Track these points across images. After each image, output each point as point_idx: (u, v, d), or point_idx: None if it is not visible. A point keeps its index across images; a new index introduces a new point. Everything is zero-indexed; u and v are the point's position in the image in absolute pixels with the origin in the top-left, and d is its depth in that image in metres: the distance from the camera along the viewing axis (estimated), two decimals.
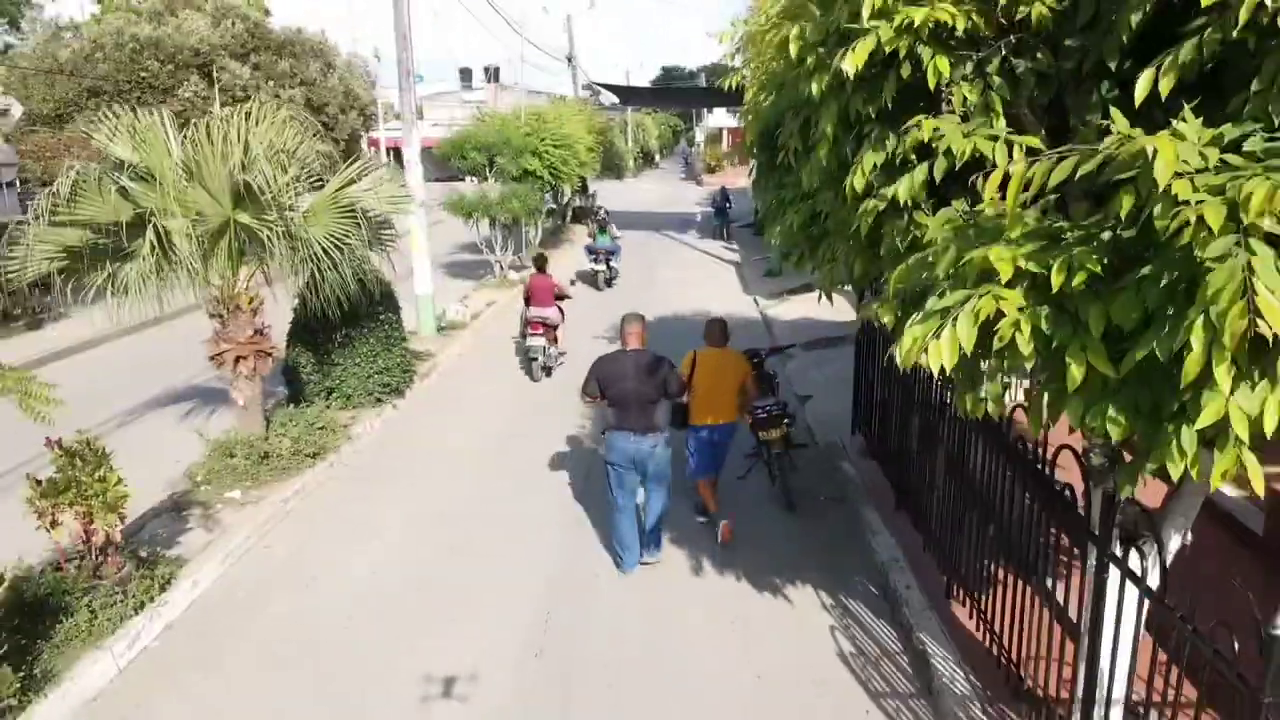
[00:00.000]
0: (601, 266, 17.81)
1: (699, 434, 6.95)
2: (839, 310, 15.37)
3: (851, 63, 3.16)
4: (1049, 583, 4.32)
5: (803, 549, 6.90)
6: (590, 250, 18.08)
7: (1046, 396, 2.75)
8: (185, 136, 7.34)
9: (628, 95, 33.53)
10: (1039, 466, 4.19)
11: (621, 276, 19.29)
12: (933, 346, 2.59)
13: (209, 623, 5.83)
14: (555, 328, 11.78)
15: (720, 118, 57.73)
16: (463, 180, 26.13)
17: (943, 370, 2.59)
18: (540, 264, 12.14)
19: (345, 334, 9.44)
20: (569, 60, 32.83)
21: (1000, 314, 2.55)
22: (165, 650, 5.52)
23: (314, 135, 8.52)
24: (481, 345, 13.72)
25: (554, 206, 25.83)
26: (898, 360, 2.76)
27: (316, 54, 24.40)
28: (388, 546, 6.91)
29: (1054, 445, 3.95)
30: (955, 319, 2.57)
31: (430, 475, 8.39)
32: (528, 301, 11.86)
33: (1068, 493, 3.91)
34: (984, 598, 5.15)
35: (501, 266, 18.18)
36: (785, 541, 7.04)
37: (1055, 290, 2.46)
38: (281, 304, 8.68)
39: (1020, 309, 2.55)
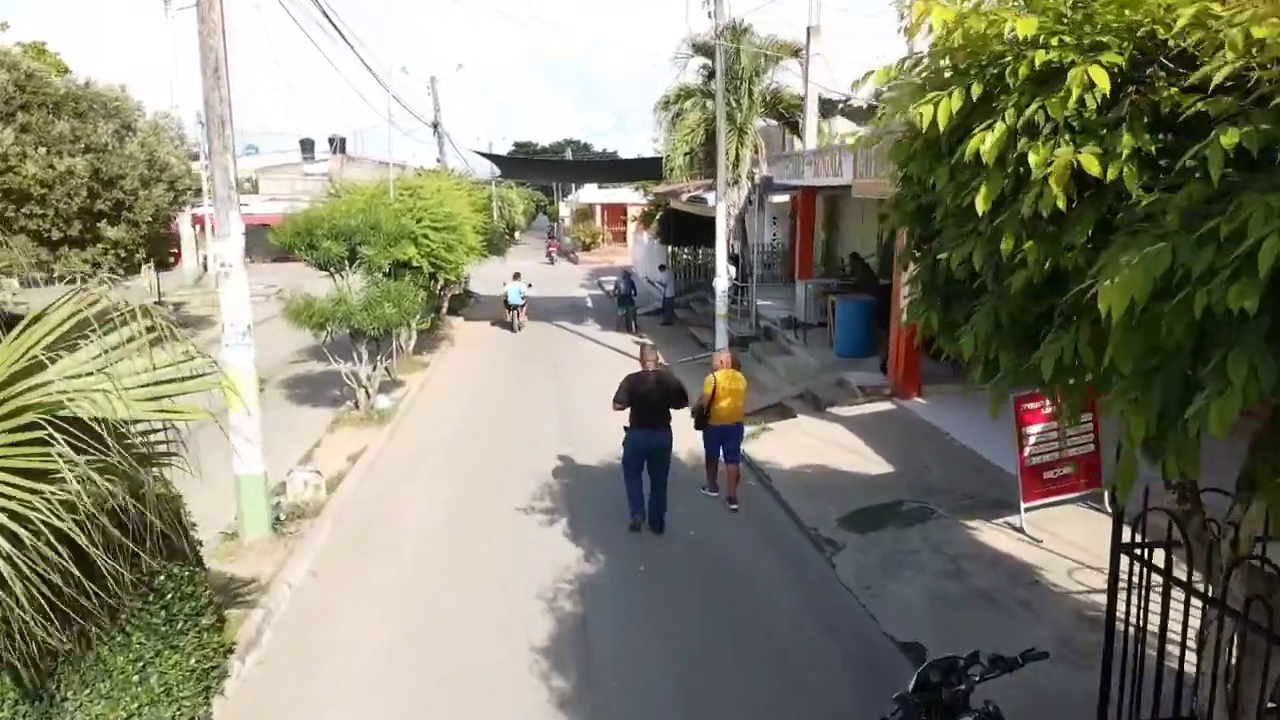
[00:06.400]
0: (516, 314, 23.18)
1: (712, 431, 9.34)
2: (857, 452, 11.26)
3: None
4: None
5: None
6: (509, 305, 23.16)
7: None
8: None
9: (513, 167, 29.28)
10: None
11: (530, 389, 14.81)
12: None
13: None
14: None
15: (591, 193, 54.44)
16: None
17: None
18: None
19: (79, 635, 4.52)
20: (434, 127, 28.35)
21: None
22: None
23: None
24: (350, 554, 8.64)
25: (428, 294, 21.04)
26: None
27: (110, 113, 18.85)
28: None
29: None
30: None
31: None
32: None
33: None
34: None
35: (368, 393, 13.25)
36: None
37: None
38: None
39: None
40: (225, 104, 7.99)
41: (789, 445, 11.42)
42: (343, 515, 9.28)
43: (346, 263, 12.58)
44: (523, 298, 23.03)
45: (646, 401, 8.34)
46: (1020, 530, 7.99)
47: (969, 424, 10.99)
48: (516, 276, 23.50)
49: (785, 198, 23.53)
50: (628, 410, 8.56)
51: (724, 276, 16.04)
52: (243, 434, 8.16)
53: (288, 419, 13.69)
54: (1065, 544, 7.74)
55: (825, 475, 10.14)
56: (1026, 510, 8.01)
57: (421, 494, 10.12)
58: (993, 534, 8.10)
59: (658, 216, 30.01)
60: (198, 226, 42.76)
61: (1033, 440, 7.88)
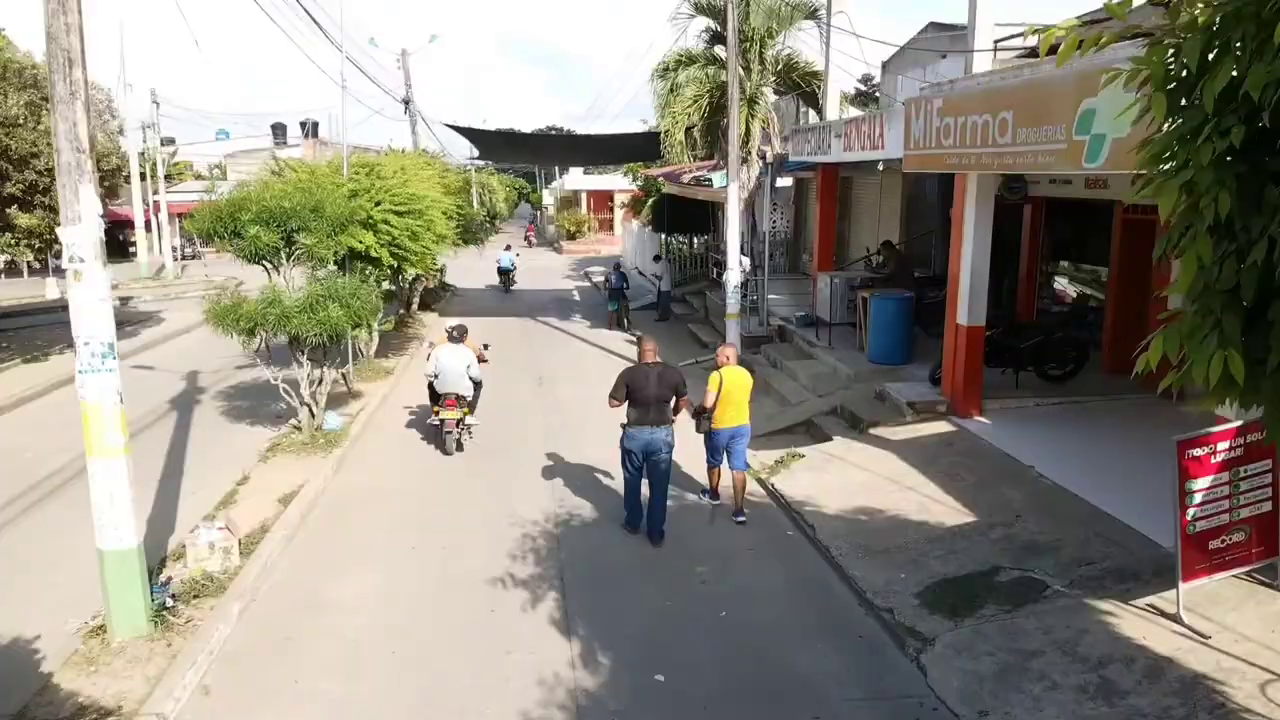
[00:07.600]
0: (507, 274, 28.01)
1: (718, 435, 8.47)
2: (920, 491, 8.87)
3: None
4: None
5: None
6: (501, 271, 27.94)
7: None
8: None
9: (493, 146, 26.85)
10: None
11: (511, 399, 12.52)
12: None
13: None
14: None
15: (576, 179, 52.01)
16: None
17: None
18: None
19: None
20: (406, 104, 25.91)
21: None
22: None
23: None
24: (261, 657, 6.28)
25: (394, 288, 18.73)
26: None
27: (25, 83, 16.34)
28: None
29: None
30: None
31: None
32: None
33: None
34: None
35: (312, 411, 10.95)
36: None
37: None
38: None
39: None
40: (74, 34, 5.68)
41: (830, 480, 9.25)
42: (258, 593, 6.98)
43: (282, 254, 10.26)
44: (513, 264, 28.19)
45: (646, 397, 7.83)
46: (1176, 619, 5.84)
47: (1055, 452, 8.86)
48: (508, 248, 28.99)
49: (788, 181, 21.34)
50: (625, 407, 7.97)
51: (736, 269, 13.83)
52: (107, 494, 5.90)
53: (221, 440, 11.43)
54: (1241, 640, 5.61)
55: (885, 526, 7.97)
56: (1186, 589, 5.88)
57: (368, 557, 7.81)
58: (1137, 623, 5.94)
59: (650, 203, 27.75)
60: (157, 214, 40.13)
61: (1199, 498, 5.73)
